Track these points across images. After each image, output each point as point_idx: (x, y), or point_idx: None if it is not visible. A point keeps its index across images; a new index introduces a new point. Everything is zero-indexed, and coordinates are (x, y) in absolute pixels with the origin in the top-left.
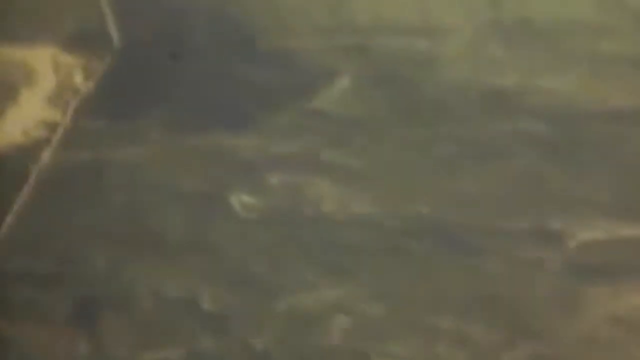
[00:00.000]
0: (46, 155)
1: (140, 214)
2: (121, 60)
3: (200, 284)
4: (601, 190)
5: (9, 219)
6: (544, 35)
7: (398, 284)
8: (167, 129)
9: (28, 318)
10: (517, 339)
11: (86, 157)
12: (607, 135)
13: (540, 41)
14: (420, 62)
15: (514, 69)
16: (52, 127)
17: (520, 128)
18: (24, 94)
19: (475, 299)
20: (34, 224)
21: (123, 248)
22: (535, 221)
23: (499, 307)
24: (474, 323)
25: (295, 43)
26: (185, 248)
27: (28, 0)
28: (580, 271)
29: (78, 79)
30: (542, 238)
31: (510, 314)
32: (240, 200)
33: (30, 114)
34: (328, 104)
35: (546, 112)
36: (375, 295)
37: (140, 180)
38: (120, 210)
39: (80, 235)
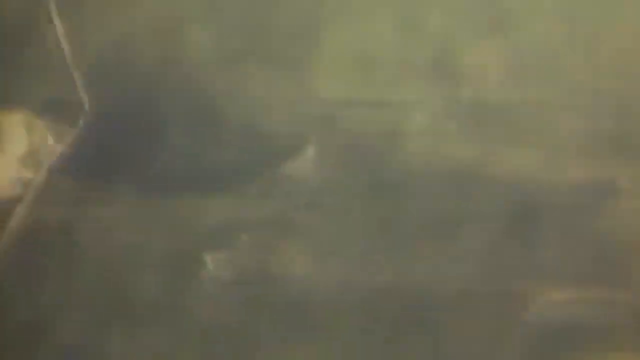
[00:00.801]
0: (19, 212)
1: (113, 273)
2: (93, 126)
3: (173, 345)
4: (562, 258)
5: None
6: (504, 112)
7: (368, 345)
8: (140, 191)
9: None
10: None
11: (59, 216)
12: (567, 207)
13: (500, 117)
14: (384, 133)
15: (474, 143)
16: (25, 185)
17: (480, 201)
18: None
19: None
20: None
21: (94, 314)
22: (498, 286)
23: None
24: None
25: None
26: (157, 310)
27: (1, 69)
28: (546, 332)
29: (51, 141)
30: (507, 301)
31: None
32: (213, 259)
33: (5, 174)
34: (296, 171)
35: (507, 186)
36: (346, 355)
37: (113, 241)
38: (92, 270)
39: (50, 301)
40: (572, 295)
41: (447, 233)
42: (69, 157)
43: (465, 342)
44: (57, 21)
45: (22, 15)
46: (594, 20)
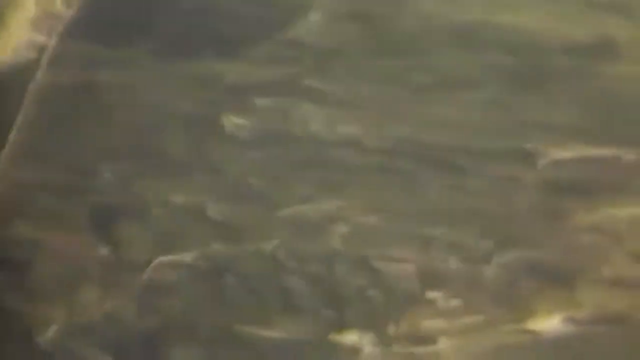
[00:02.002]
0: (39, 75)
1: (141, 132)
2: None
3: (205, 196)
4: (568, 116)
5: (14, 136)
6: None
7: (388, 198)
8: (155, 55)
9: (48, 224)
10: (504, 246)
11: (79, 78)
12: (570, 68)
13: None
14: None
15: (476, 5)
16: (40, 49)
17: (486, 60)
18: (11, 17)
19: (461, 212)
20: (40, 140)
21: (129, 163)
22: (509, 143)
23: (484, 218)
24: (463, 232)
25: None
26: (186, 165)
27: None
28: (555, 187)
29: (59, 5)
30: (517, 158)
31: (496, 225)
32: (232, 121)
33: (19, 36)
34: (304, 36)
35: (510, 47)
36: (368, 208)
37: (138, 101)
38: (121, 128)
39: (86, 151)
40: (579, 153)
41: (454, 93)
42: (80, 21)
43: (477, 195)
44: None
45: None
46: None
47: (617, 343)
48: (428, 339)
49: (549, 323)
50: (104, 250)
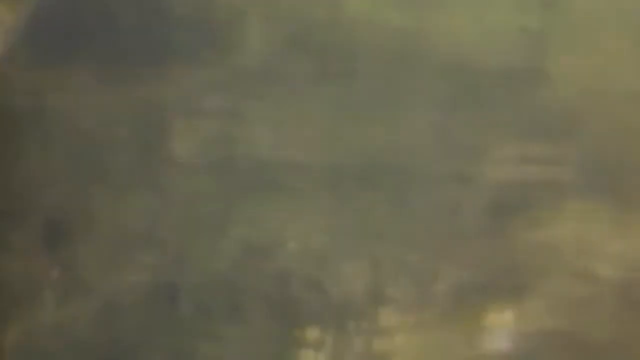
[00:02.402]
0: None
1: (84, 157)
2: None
3: (152, 219)
4: (505, 138)
5: None
6: None
7: (336, 219)
8: (96, 79)
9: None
10: (450, 265)
11: (20, 102)
12: (505, 92)
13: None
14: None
15: (411, 29)
16: None
17: (421, 85)
18: None
19: (407, 233)
20: None
21: (73, 188)
22: (449, 165)
23: (429, 239)
24: (410, 253)
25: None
26: (131, 189)
27: None
28: (496, 207)
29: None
30: (458, 179)
31: (441, 245)
32: (176, 145)
33: None
34: (243, 60)
35: (445, 70)
36: (317, 229)
37: (80, 125)
38: (64, 152)
39: (34, 173)
40: (522, 151)
41: (397, 102)
42: (20, 44)
43: (425, 194)
44: None
45: None
46: None
47: (562, 358)
48: (384, 356)
49: (497, 339)
50: (55, 273)
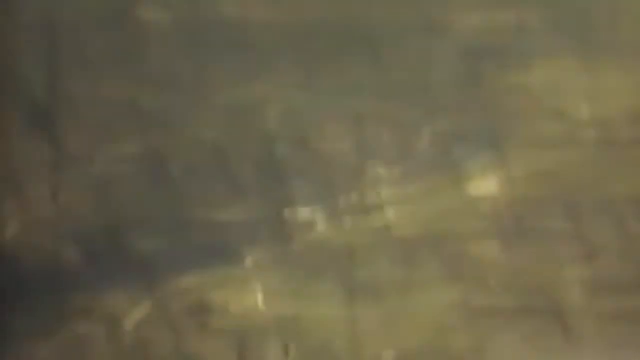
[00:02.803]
0: None
1: (59, 31)
2: None
3: (133, 88)
4: None
5: None
6: None
7: (315, 77)
8: None
9: None
10: (432, 115)
11: None
12: None
13: None
14: None
15: None
16: None
17: None
18: None
19: (385, 86)
20: None
21: (48, 66)
22: (418, 15)
23: (408, 91)
24: (391, 106)
25: None
26: (109, 60)
27: None
28: (469, 54)
29: None
30: (428, 29)
31: (420, 96)
32: (148, 13)
33: None
34: None
35: None
36: (298, 88)
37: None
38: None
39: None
40: (486, 20)
41: None
42: None
43: (397, 68)
44: None
45: None
46: None
47: (551, 202)
48: (376, 208)
49: (486, 186)
50: (44, 149)
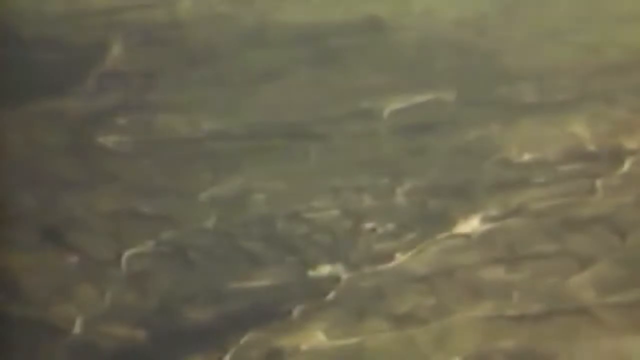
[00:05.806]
0: None
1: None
2: None
3: (126, 200)
4: (380, 77)
5: None
6: None
7: (279, 168)
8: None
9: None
10: (397, 180)
11: None
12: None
13: None
14: None
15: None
16: None
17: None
18: None
19: (342, 164)
20: None
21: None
22: (348, 106)
23: (367, 165)
24: (359, 178)
25: None
26: (88, 183)
27: None
28: (405, 129)
29: None
30: (361, 115)
31: (380, 167)
32: (108, 140)
33: None
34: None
35: (300, 38)
36: (269, 178)
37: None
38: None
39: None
40: (409, 102)
41: (276, 82)
42: None
43: (345, 150)
44: None
45: None
46: None
47: (530, 229)
48: (386, 257)
49: (471, 225)
50: (73, 258)
